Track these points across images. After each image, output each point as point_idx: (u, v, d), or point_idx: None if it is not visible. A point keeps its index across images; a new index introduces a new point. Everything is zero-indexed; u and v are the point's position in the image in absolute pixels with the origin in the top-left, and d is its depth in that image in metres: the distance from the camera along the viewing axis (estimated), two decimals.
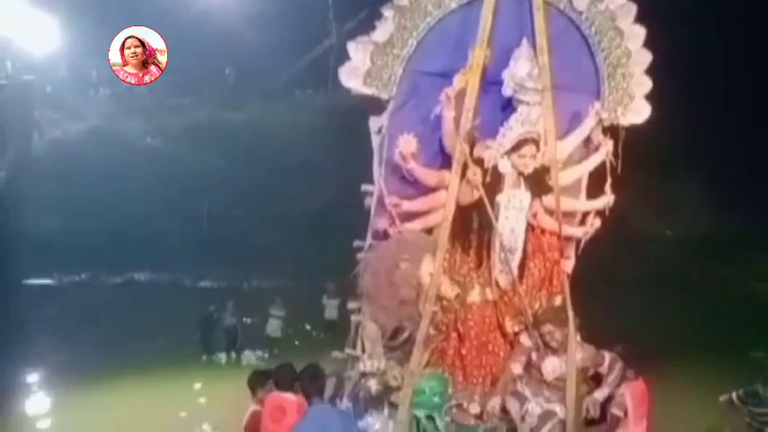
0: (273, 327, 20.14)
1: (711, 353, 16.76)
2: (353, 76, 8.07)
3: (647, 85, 8.60)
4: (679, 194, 27.16)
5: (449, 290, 7.90)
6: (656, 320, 18.23)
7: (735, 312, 20.17)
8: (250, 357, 19.68)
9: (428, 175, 8.01)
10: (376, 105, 8.21)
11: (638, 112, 8.60)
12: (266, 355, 19.64)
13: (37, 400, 16.92)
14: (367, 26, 8.25)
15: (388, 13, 8.01)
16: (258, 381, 7.80)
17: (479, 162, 7.89)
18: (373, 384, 7.68)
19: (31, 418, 15.71)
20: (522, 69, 7.94)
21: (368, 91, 8.10)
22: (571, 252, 8.67)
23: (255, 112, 31.69)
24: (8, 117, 24.03)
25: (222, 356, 19.71)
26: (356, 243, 8.54)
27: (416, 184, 8.06)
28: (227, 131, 31.04)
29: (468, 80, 7.82)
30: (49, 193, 27.51)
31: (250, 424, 7.58)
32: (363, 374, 7.80)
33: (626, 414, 7.99)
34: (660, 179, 25.76)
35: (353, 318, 8.45)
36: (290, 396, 7.22)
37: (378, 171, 8.20)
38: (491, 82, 8.07)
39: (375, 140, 8.24)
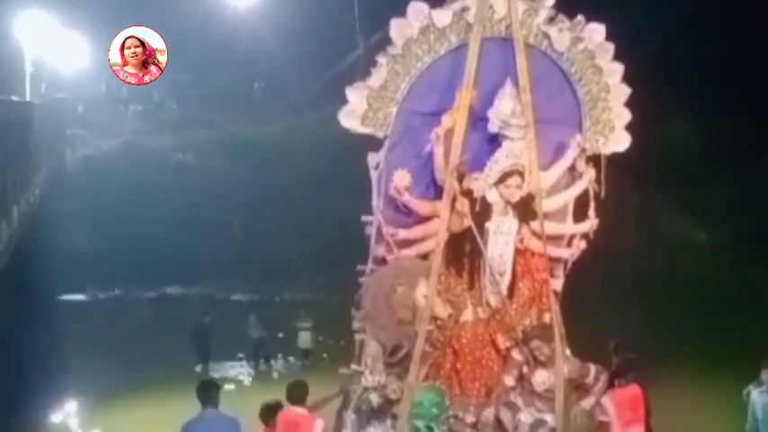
0: (304, 339, 21.22)
1: (712, 356, 17.92)
2: (351, 117, 9.21)
3: (626, 116, 9.68)
4: (657, 212, 29.25)
5: (442, 310, 9.00)
6: (653, 329, 19.36)
7: (731, 314, 21.36)
8: (281, 370, 20.91)
9: (422, 206, 9.14)
10: (373, 143, 9.35)
11: (618, 141, 9.70)
12: (298, 367, 20.82)
13: (71, 414, 18.19)
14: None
15: (382, 59, 9.14)
16: (269, 414, 8.81)
17: (468, 193, 8.99)
18: (374, 398, 8.79)
19: None
20: (506, 108, 9.01)
21: (365, 130, 9.23)
22: (560, 272, 9.75)
23: (285, 125, 32.86)
24: (42, 135, 25.52)
25: (251, 369, 20.92)
26: (359, 267, 9.70)
27: (411, 214, 9.16)
28: (257, 145, 32.32)
29: (456, 119, 8.94)
30: (81, 209, 28.90)
31: None
32: (366, 389, 8.93)
33: None
34: (640, 200, 27.97)
35: (357, 336, 9.59)
36: (301, 411, 8.35)
37: (376, 203, 9.34)
38: (478, 119, 9.15)
39: (374, 175, 9.38)
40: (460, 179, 8.99)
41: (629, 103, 9.67)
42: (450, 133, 8.94)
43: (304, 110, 33.65)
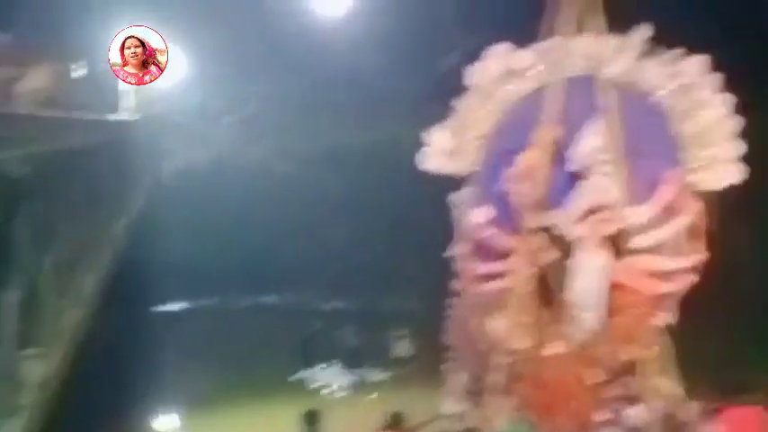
0: (402, 347, 21.84)
1: None
2: (434, 157, 9.68)
3: (734, 149, 9.51)
4: None
5: (521, 343, 9.36)
6: None
7: None
8: (377, 378, 21.48)
9: (501, 242, 9.46)
10: (457, 182, 9.77)
11: (724, 175, 9.51)
12: (393, 377, 21.34)
13: (170, 424, 19.07)
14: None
15: (465, 98, 9.56)
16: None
17: (551, 229, 9.32)
18: (454, 425, 9.32)
19: None
20: (591, 144, 9.22)
21: (449, 169, 9.68)
22: (668, 307, 9.57)
23: (381, 134, 33.18)
24: (139, 149, 26.50)
25: (347, 377, 21.57)
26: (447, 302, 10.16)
27: (492, 249, 9.52)
28: (354, 154, 32.71)
29: (537, 156, 9.24)
30: (178, 221, 29.91)
31: None
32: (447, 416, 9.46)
33: None
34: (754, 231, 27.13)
35: (444, 366, 10.09)
36: None
37: (459, 237, 9.77)
38: (564, 154, 9.39)
39: (456, 213, 9.80)
40: (542, 215, 9.29)
41: (741, 134, 9.50)
42: (531, 169, 9.25)
43: (401, 117, 33.75)
